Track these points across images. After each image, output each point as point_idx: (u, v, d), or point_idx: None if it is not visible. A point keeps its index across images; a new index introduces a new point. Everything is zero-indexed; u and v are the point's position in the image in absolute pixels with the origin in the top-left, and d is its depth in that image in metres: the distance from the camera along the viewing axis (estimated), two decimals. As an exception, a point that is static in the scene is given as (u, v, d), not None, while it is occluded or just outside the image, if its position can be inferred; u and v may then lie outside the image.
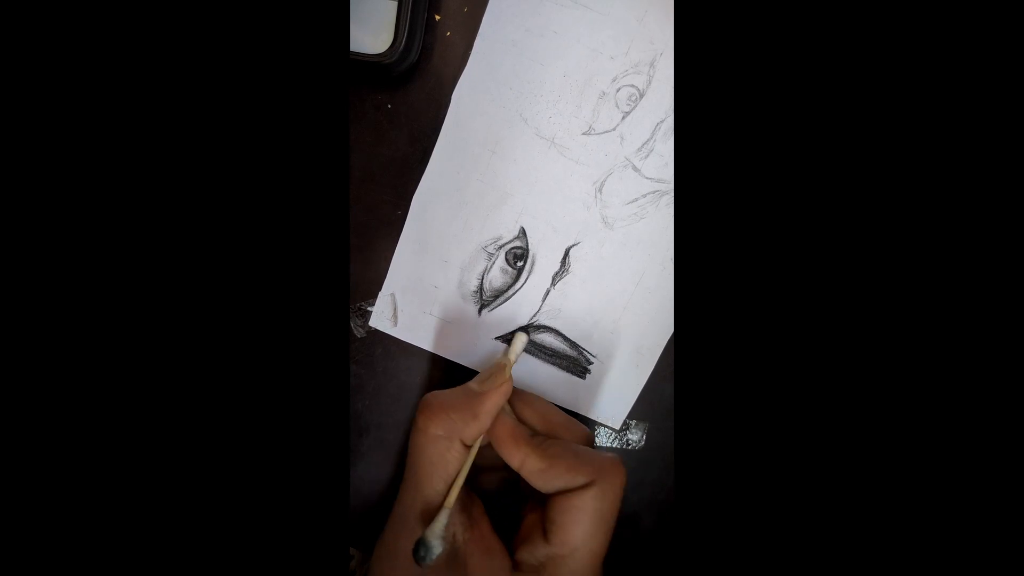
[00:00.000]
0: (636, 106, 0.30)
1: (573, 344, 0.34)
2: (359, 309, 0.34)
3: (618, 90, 0.30)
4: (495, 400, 0.27)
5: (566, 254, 0.32)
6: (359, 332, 0.34)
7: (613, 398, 0.34)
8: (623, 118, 0.30)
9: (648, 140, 0.30)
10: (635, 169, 0.31)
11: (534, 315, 0.33)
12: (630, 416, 0.35)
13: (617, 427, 0.35)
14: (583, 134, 0.30)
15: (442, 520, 0.26)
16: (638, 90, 0.30)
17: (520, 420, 0.30)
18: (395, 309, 0.34)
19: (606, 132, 0.30)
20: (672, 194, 0.31)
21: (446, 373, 0.35)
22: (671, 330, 0.33)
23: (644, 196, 0.31)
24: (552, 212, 0.32)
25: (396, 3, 0.28)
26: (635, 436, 0.35)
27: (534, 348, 0.34)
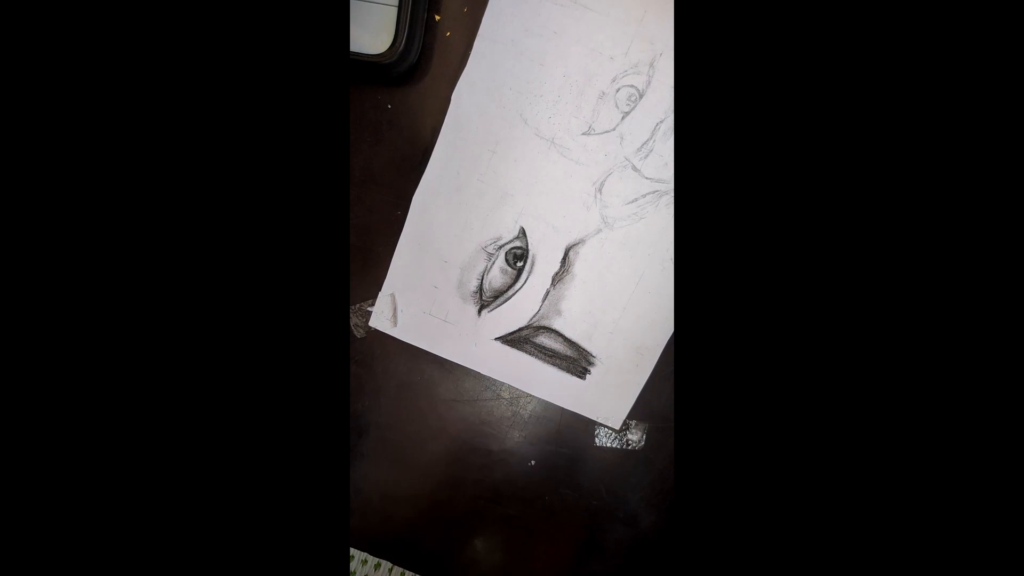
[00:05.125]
0: (636, 106, 0.30)
1: (573, 344, 0.34)
2: (359, 309, 0.34)
3: (618, 90, 0.30)
4: None
5: (566, 254, 0.32)
6: (359, 332, 0.34)
7: (613, 398, 0.34)
8: (623, 118, 0.30)
9: (648, 140, 0.30)
10: (635, 169, 0.31)
11: (534, 316, 0.33)
12: (630, 416, 0.35)
13: (617, 427, 0.35)
14: (583, 134, 0.30)
15: None
16: (638, 90, 0.30)
17: None
18: (395, 309, 0.34)
19: (606, 132, 0.30)
20: (672, 194, 0.31)
21: (445, 373, 0.35)
22: (671, 330, 0.33)
23: (644, 196, 0.31)
24: (552, 212, 0.32)
25: (396, 4, 0.28)
26: (635, 436, 0.35)
27: (534, 348, 0.34)
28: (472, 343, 0.34)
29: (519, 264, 0.32)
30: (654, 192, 0.31)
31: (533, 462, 0.36)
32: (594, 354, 0.34)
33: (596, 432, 0.35)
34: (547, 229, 0.32)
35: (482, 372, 0.34)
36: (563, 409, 0.35)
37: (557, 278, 0.33)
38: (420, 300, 0.33)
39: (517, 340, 0.34)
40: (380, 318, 0.34)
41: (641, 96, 0.30)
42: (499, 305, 0.33)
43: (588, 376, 0.34)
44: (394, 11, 0.28)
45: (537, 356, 0.34)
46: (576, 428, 0.35)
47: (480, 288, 0.33)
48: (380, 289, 0.33)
